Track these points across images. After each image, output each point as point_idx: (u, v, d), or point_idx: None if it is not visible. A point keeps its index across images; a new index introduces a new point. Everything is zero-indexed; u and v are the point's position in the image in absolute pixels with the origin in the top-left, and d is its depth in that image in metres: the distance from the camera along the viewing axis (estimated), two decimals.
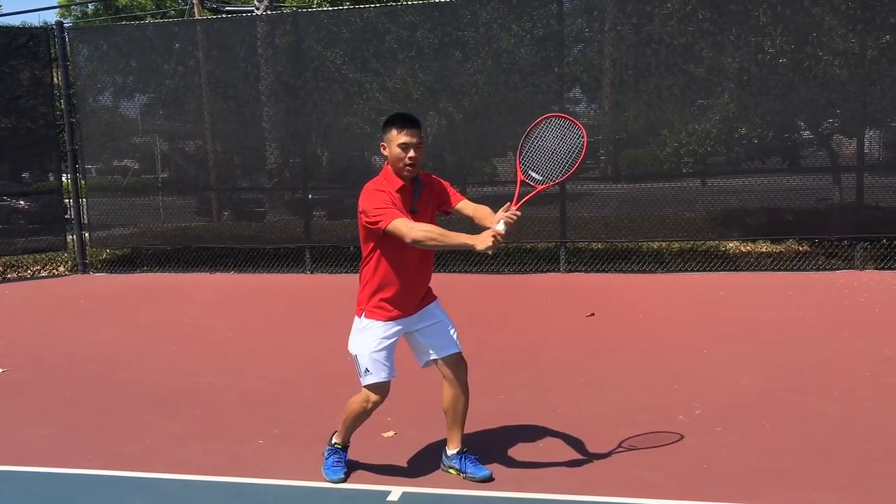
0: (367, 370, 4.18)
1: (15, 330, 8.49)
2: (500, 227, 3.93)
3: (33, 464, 4.71)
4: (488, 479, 4.23)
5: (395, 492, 4.14)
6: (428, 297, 4.37)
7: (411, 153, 4.06)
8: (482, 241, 3.88)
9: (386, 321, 4.18)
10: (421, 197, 4.22)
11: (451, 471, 4.36)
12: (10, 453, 4.89)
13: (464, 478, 4.27)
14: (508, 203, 4.01)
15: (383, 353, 4.18)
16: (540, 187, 4.15)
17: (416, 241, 3.93)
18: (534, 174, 4.17)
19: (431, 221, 4.22)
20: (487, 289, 9.35)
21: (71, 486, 4.44)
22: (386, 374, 4.20)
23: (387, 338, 4.19)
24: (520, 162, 4.19)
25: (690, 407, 5.29)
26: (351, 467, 4.42)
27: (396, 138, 4.08)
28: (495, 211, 4.07)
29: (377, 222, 3.99)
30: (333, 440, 4.47)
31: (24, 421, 5.48)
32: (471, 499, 4.05)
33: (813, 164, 10.27)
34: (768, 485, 4.10)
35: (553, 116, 4.26)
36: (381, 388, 4.22)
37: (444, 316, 4.36)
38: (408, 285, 4.18)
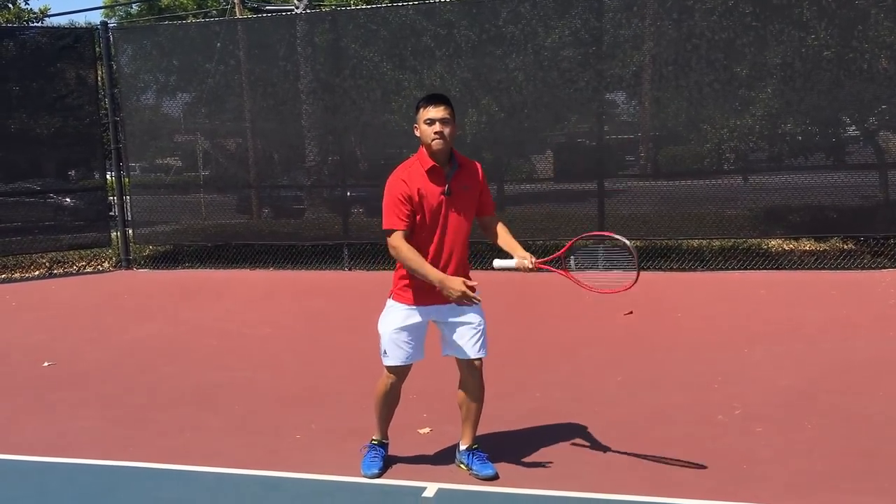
0: (384, 351, 4.26)
1: (60, 324, 8.67)
2: (512, 263, 4.06)
3: (76, 455, 4.80)
4: (491, 478, 4.20)
5: (431, 488, 4.14)
6: None
7: (437, 126, 4.06)
8: (452, 286, 3.96)
9: (408, 306, 4.21)
10: (457, 179, 4.16)
11: (461, 466, 4.35)
12: (54, 445, 4.99)
13: (470, 474, 4.26)
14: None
15: (402, 336, 4.21)
16: (562, 272, 4.19)
17: (397, 258, 4.08)
18: (573, 262, 4.21)
19: (470, 208, 4.19)
20: (524, 286, 9.32)
21: (112, 477, 4.52)
22: (403, 358, 4.23)
23: (407, 322, 4.20)
24: (572, 244, 4.24)
25: (730, 407, 5.21)
26: (387, 463, 4.43)
27: (423, 115, 4.10)
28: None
29: (383, 220, 4.12)
30: (372, 437, 4.51)
31: (68, 413, 5.59)
32: (505, 496, 4.04)
33: (858, 161, 10.06)
34: (810, 487, 4.02)
35: (622, 241, 4.18)
36: (397, 371, 4.27)
37: (475, 317, 4.25)
38: None
